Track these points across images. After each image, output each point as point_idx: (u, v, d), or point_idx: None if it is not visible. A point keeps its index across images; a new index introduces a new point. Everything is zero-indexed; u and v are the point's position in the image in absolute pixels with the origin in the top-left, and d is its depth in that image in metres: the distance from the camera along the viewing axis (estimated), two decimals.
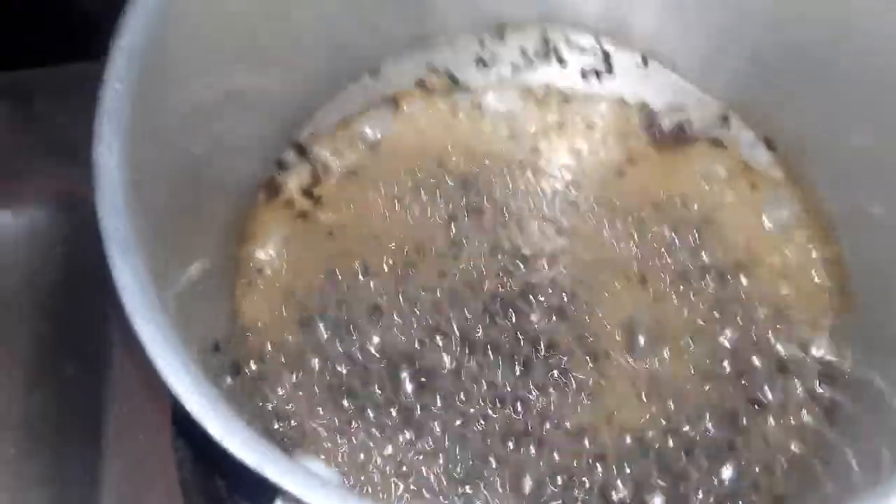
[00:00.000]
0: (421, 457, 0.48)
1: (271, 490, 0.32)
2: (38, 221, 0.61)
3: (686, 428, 0.48)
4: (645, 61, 0.57)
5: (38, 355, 0.59)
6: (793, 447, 0.48)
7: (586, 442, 0.48)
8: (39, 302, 0.60)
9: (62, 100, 0.63)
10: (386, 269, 0.52)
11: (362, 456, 0.47)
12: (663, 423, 0.48)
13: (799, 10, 0.49)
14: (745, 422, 0.49)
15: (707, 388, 0.49)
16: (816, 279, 0.52)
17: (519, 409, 0.49)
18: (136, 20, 0.37)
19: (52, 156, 0.62)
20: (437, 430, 0.48)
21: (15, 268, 0.61)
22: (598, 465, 0.48)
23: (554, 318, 0.51)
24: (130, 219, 0.36)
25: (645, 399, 0.49)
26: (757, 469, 0.48)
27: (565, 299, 0.51)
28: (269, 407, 0.48)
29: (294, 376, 0.49)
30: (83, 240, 0.61)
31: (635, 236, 0.53)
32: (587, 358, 0.50)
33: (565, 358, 0.50)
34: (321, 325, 0.51)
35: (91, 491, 0.53)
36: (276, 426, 0.47)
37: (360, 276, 0.52)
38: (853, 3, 0.47)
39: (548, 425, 0.48)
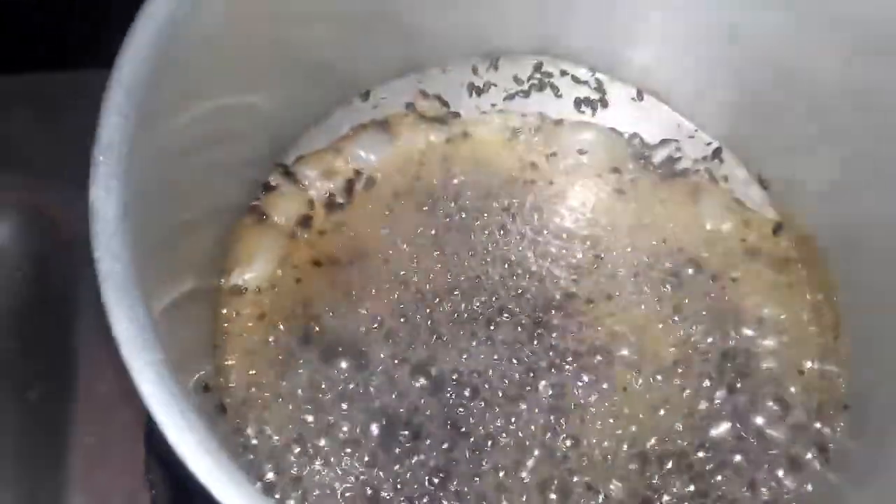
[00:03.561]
0: (401, 492, 0.47)
1: None
2: (1, 237, 0.58)
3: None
4: (640, 95, 0.56)
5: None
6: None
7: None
8: (2, 321, 0.57)
9: (21, 110, 0.60)
10: (376, 303, 0.50)
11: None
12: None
13: (796, 48, 0.49)
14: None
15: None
16: (809, 322, 0.52)
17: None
18: (135, 50, 0.35)
19: (16, 168, 0.59)
20: (422, 473, 0.47)
21: None
22: None
23: (550, 360, 0.50)
24: (127, 259, 0.34)
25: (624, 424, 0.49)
26: None
27: (564, 338, 0.50)
28: (254, 446, 0.46)
29: (277, 413, 0.48)
30: (48, 256, 0.58)
31: (624, 275, 0.52)
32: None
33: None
34: (305, 359, 0.49)
35: None
36: (263, 469, 0.46)
37: (348, 309, 0.50)
38: (852, 44, 0.47)
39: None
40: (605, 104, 0.56)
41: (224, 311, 0.50)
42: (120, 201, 0.34)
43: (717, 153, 0.55)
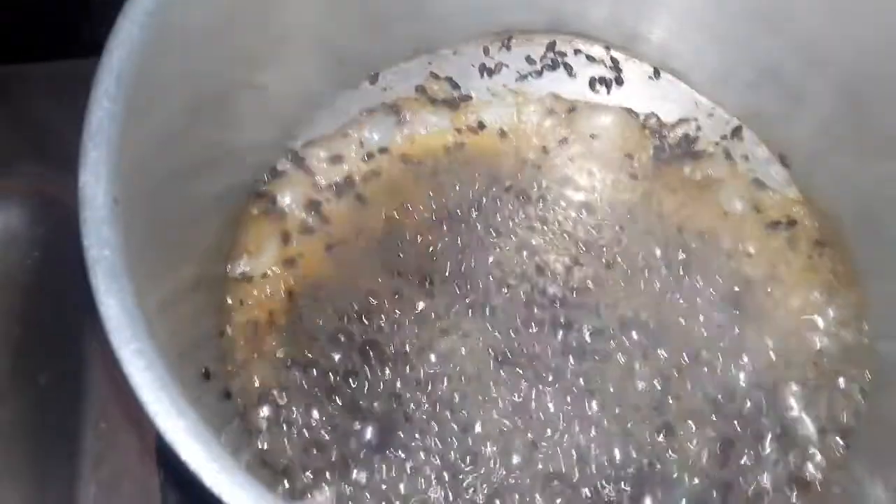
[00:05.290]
0: (420, 480, 0.46)
1: None
2: (12, 222, 0.58)
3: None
4: (657, 73, 0.55)
5: (11, 363, 0.56)
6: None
7: None
8: (13, 306, 0.57)
9: (41, 97, 0.60)
10: (385, 287, 0.49)
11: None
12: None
13: (818, 25, 0.47)
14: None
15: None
16: (831, 302, 0.50)
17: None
18: (127, 31, 0.34)
19: (29, 154, 0.59)
20: (431, 462, 0.47)
21: None
22: None
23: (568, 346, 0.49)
24: (117, 246, 0.33)
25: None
26: None
27: (579, 323, 0.49)
28: (259, 440, 0.46)
29: (281, 406, 0.47)
30: (59, 242, 0.58)
31: (637, 260, 0.51)
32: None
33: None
34: (313, 344, 0.48)
35: None
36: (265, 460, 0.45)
37: (356, 293, 0.49)
38: (877, 20, 0.45)
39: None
40: (620, 83, 0.55)
41: (230, 299, 0.49)
42: (110, 187, 0.33)
43: (736, 132, 0.54)
